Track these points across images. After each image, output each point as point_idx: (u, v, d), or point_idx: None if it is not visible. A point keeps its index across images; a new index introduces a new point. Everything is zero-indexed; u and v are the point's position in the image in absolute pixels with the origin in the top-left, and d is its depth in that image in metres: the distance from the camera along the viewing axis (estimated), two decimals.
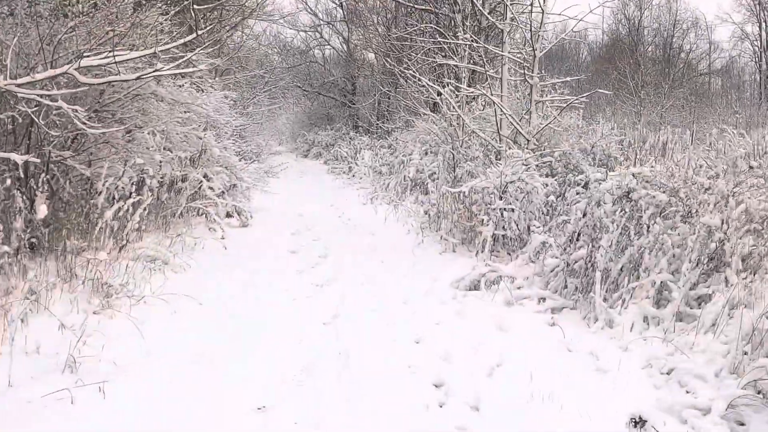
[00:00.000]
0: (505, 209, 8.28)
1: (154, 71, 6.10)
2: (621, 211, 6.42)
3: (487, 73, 10.32)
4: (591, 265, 6.42)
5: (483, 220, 8.73)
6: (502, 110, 9.97)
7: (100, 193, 7.55)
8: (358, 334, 5.82)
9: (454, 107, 11.31)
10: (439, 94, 12.64)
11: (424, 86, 17.68)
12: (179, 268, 7.63)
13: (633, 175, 6.60)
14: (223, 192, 11.26)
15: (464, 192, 8.96)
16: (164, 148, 10.67)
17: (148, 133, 9.52)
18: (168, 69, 6.13)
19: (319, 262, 8.75)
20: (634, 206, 6.36)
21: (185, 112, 10.47)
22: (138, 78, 6.25)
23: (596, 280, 5.99)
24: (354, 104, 30.78)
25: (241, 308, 6.48)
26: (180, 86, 10.41)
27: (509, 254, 8.65)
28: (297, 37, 35.62)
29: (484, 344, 5.57)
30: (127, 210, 7.72)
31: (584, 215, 6.79)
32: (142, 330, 5.41)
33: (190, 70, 6.86)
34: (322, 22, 34.62)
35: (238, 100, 20.15)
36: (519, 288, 6.84)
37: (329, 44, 35.16)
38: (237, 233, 10.48)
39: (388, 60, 20.11)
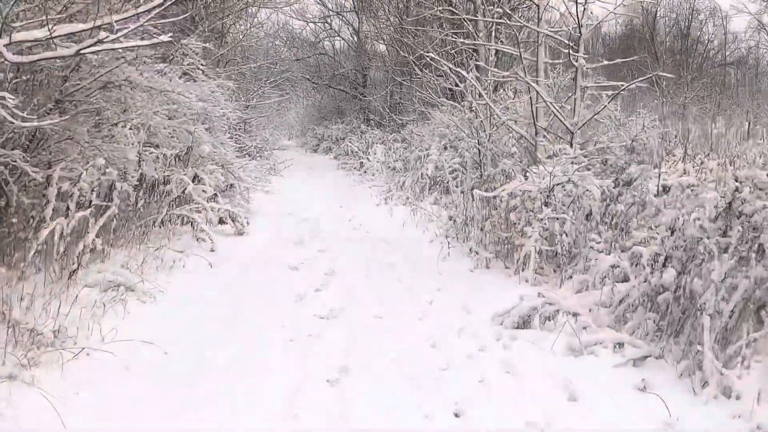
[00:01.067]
0: (556, 218, 6.52)
1: (96, 42, 4.38)
2: (726, 228, 4.68)
3: (522, 55, 8.58)
4: (686, 299, 4.68)
5: (524, 230, 7.00)
6: (541, 98, 8.19)
7: (48, 202, 5.88)
8: (375, 403, 4.11)
9: (482, 95, 9.56)
10: (461, 81, 10.87)
11: (441, 74, 15.96)
12: (148, 296, 5.93)
13: (737, 179, 4.84)
14: (215, 195, 9.56)
15: (501, 196, 7.22)
16: (149, 144, 9.08)
17: (130, 129, 7.88)
18: (111, 41, 4.40)
19: (325, 283, 7.02)
20: (744, 222, 4.60)
21: (171, 103, 8.81)
22: (77, 54, 4.53)
23: (704, 326, 4.23)
24: (365, 97, 29.01)
25: (221, 357, 4.78)
26: (162, 73, 8.72)
27: (555, 271, 6.93)
28: (306, 29, 33.84)
29: (552, 425, 3.85)
30: (89, 222, 6.12)
31: (672, 231, 5.05)
32: (68, 407, 3.73)
33: (145, 43, 5.11)
34: (331, 13, 32.85)
35: (241, 92, 18.50)
36: (585, 327, 5.09)
37: (339, 35, 33.39)
38: (230, 243, 8.78)
39: (401, 50, 18.35)
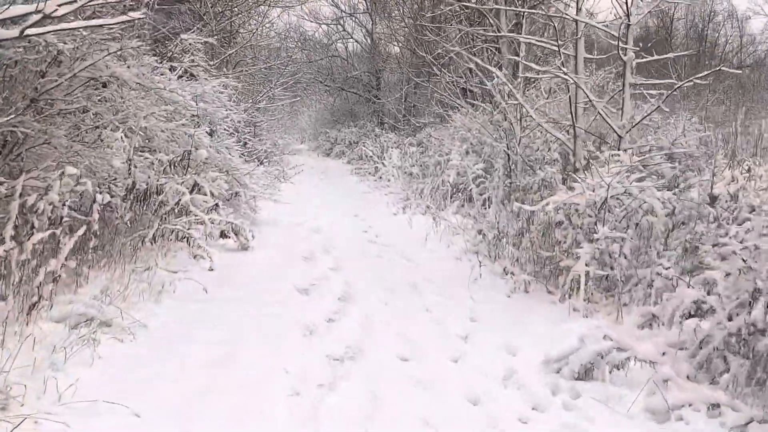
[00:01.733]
0: (613, 239, 5.43)
1: (42, 18, 3.33)
2: None
3: (560, 48, 7.51)
4: None
5: (571, 250, 5.92)
6: (583, 97, 7.08)
7: (9, 219, 4.85)
8: None
9: (513, 94, 8.44)
10: (489, 79, 9.80)
11: (461, 74, 14.90)
12: (126, 333, 4.87)
13: None
14: (216, 205, 8.53)
15: (543, 210, 6.13)
16: (145, 149, 8.09)
17: (123, 132, 6.88)
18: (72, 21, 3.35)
19: (338, 311, 5.95)
20: None
21: (167, 103, 7.82)
22: (23, 36, 3.50)
23: None
24: (379, 99, 27.96)
25: (207, 422, 3.72)
26: (157, 71, 7.70)
27: (607, 297, 5.84)
28: (318, 31, 32.83)
29: None
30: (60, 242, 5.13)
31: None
32: None
33: (109, 21, 4.07)
34: (344, 14, 31.81)
35: (250, 94, 17.52)
36: (666, 380, 3.98)
37: (352, 37, 32.32)
38: (232, 260, 7.73)
39: (419, 49, 17.30)
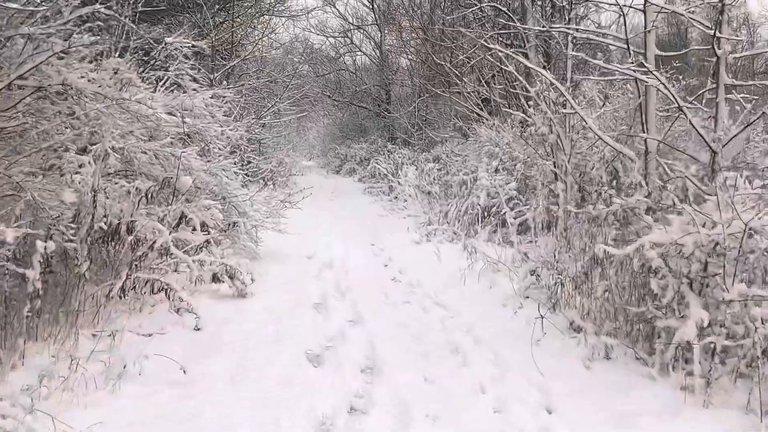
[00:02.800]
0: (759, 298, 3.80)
1: None
2: None
3: (629, 44, 5.94)
4: None
5: (673, 306, 4.31)
6: (674, 101, 5.46)
7: None
8: None
9: (569, 101, 6.82)
10: (531, 85, 8.22)
11: (483, 83, 13.33)
12: None
13: None
14: (208, 242, 6.95)
15: (637, 254, 4.50)
16: (122, 174, 6.59)
17: (93, 156, 5.39)
18: None
19: (363, 394, 4.35)
20: None
21: (152, 119, 6.31)
22: None
23: None
24: (390, 114, 26.43)
25: None
26: (130, 81, 6.14)
27: (735, 381, 4.20)
28: (326, 44, 31.36)
29: None
30: None
31: None
32: None
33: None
34: (352, 27, 30.34)
35: (252, 108, 16.00)
36: None
37: (360, 50, 30.84)
38: (226, 313, 6.12)
39: (436, 57, 15.74)
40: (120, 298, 5.52)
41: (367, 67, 31.52)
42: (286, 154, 19.87)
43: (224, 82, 14.32)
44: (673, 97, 5.34)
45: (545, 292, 6.00)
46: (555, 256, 6.11)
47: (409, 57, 25.52)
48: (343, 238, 10.41)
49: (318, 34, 30.54)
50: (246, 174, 15.42)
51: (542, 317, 5.24)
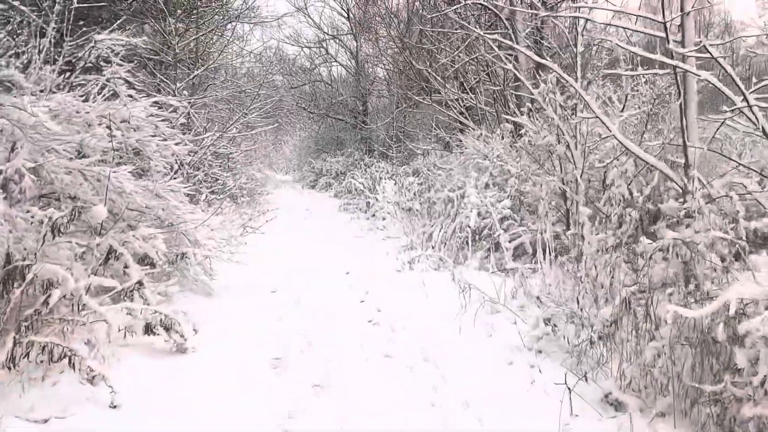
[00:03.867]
0: None
1: None
2: None
3: (668, 31, 4.65)
4: None
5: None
6: (728, 98, 4.14)
7: None
8: None
9: (588, 104, 5.47)
10: (535, 86, 6.88)
11: (467, 90, 12.03)
12: None
13: None
14: (140, 283, 5.52)
15: (721, 317, 3.15)
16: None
17: None
18: None
19: None
20: None
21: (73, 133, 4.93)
22: None
23: None
24: (366, 126, 25.06)
25: None
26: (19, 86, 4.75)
27: None
28: (300, 54, 29.94)
29: None
30: None
31: None
32: None
33: None
34: (327, 37, 28.94)
35: (220, 120, 14.60)
36: None
37: (336, 60, 29.42)
38: (157, 378, 4.70)
39: (417, 63, 14.40)
40: (9, 369, 4.08)
41: (344, 79, 30.16)
42: (258, 169, 18.43)
43: (185, 93, 12.90)
44: (726, 93, 4.00)
45: (564, 346, 4.64)
46: (578, 302, 4.74)
47: (387, 67, 24.25)
48: (314, 267, 9.00)
49: (292, 45, 29.14)
50: (211, 192, 14.02)
51: (570, 389, 3.87)
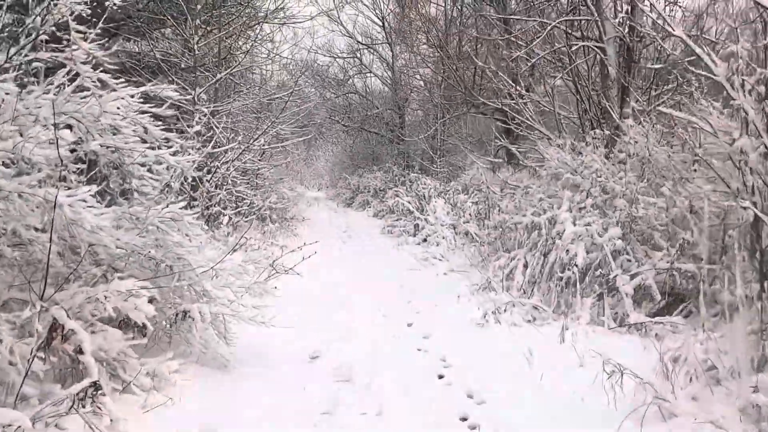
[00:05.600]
0: None
1: None
2: None
3: None
4: None
5: None
6: None
7: None
8: None
9: None
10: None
11: (549, 91, 9.79)
12: None
13: None
14: (95, 386, 3.30)
15: None
16: None
17: None
18: None
19: None
20: None
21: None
22: None
23: None
24: (404, 139, 22.83)
25: None
26: None
27: None
28: (333, 65, 27.85)
29: None
30: None
31: None
32: None
33: None
34: (361, 47, 26.83)
35: (246, 132, 12.50)
36: None
37: (371, 71, 27.26)
38: None
39: (474, 59, 12.15)
40: None
41: (379, 90, 28.05)
42: (290, 186, 16.25)
43: (203, 98, 10.79)
44: None
45: None
46: None
47: (424, 77, 22.07)
48: (363, 314, 6.75)
49: (325, 55, 27.05)
50: (237, 213, 11.85)
51: None
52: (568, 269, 6.37)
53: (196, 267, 4.92)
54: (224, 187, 11.07)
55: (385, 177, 21.06)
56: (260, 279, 5.54)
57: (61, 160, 3.41)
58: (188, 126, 10.07)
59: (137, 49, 12.60)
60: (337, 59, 27.38)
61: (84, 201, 3.63)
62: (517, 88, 9.55)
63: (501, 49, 10.79)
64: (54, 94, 4.07)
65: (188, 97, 11.22)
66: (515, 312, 6.29)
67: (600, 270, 6.30)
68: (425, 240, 11.61)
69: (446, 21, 20.54)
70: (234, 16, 13.30)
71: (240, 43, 13.81)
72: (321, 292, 7.62)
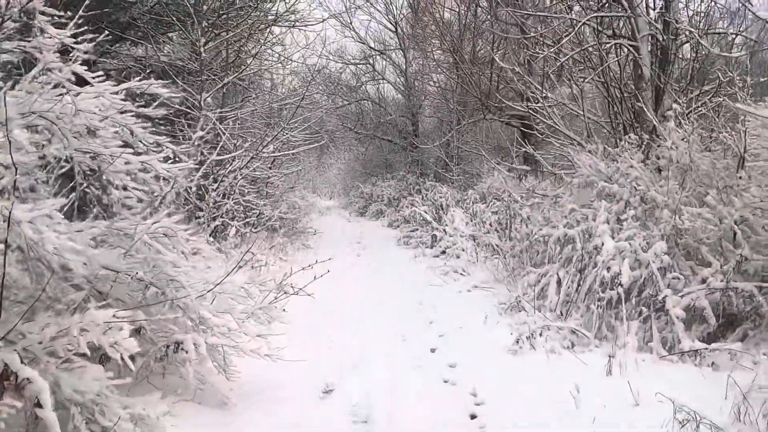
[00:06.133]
0: None
1: None
2: None
3: None
4: None
5: None
6: None
7: None
8: None
9: None
10: None
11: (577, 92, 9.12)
12: None
13: None
14: None
15: None
16: None
17: None
18: None
19: None
20: None
21: None
22: None
23: None
24: (420, 146, 22.13)
25: None
26: None
27: None
28: (346, 71, 27.20)
29: None
30: None
31: None
32: None
33: None
34: (374, 52, 26.16)
35: (255, 138, 11.91)
36: None
37: (383, 78, 26.56)
38: None
39: (498, 60, 11.50)
40: None
41: (392, 97, 27.38)
42: (301, 195, 15.61)
43: (209, 102, 10.17)
44: None
45: None
46: None
47: (438, 84, 21.40)
48: (381, 338, 6.06)
49: (337, 61, 26.40)
50: (246, 223, 11.21)
51: None
52: (611, 288, 5.66)
53: (192, 289, 4.27)
54: (232, 196, 10.43)
55: (399, 185, 20.39)
56: (267, 302, 4.88)
57: (15, 167, 2.76)
58: (193, 132, 9.47)
59: (142, 53, 12.04)
60: (349, 65, 26.78)
61: (49, 217, 2.97)
62: (543, 89, 8.84)
63: (524, 48, 10.09)
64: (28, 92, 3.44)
65: (193, 101, 10.63)
66: (551, 336, 5.59)
67: (647, 290, 5.59)
68: (444, 252, 10.91)
69: (460, 26, 19.90)
70: (242, 19, 12.68)
71: (249, 46, 13.20)
72: (333, 312, 6.94)
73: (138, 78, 3.89)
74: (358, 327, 6.43)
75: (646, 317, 5.47)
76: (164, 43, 12.64)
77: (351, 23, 25.45)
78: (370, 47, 26.04)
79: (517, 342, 5.52)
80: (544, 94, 8.73)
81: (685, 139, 6.77)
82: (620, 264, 5.64)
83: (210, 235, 10.31)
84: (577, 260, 6.39)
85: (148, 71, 11.30)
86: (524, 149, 10.12)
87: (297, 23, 14.12)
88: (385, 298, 7.79)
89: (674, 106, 6.98)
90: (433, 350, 5.72)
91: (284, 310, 5.37)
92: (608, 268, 5.73)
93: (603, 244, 6.07)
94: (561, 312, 6.13)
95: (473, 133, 21.01)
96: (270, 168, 13.57)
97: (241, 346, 4.33)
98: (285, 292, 5.47)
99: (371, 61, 26.54)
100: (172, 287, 4.25)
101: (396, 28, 24.91)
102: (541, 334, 5.59)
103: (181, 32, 11.70)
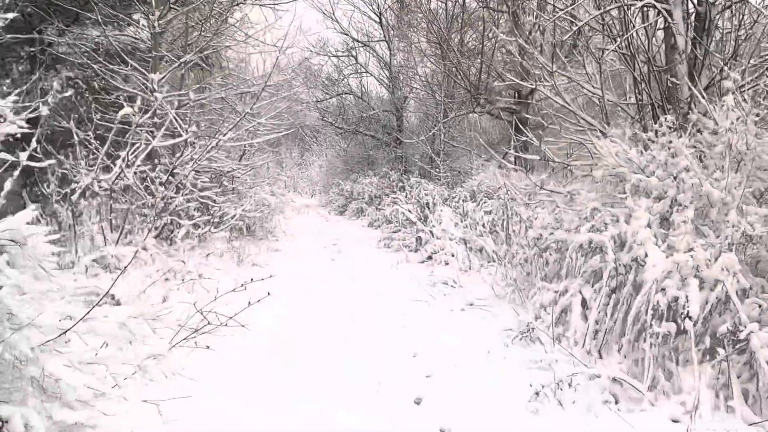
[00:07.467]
0: None
1: None
2: None
3: None
4: None
5: None
6: None
7: None
8: None
9: None
10: None
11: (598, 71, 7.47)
12: None
13: None
14: None
15: None
16: None
17: None
18: None
19: None
20: None
21: None
22: None
23: None
24: (401, 142, 20.47)
25: None
26: None
27: None
28: (328, 63, 25.52)
29: None
30: None
31: None
32: None
33: None
34: (357, 44, 24.45)
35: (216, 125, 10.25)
36: None
37: (366, 70, 24.87)
38: None
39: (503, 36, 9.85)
40: None
41: (375, 92, 25.73)
42: (271, 191, 13.84)
43: (163, 89, 8.42)
44: None
45: None
46: None
47: (423, 77, 19.73)
48: (349, 385, 4.34)
49: (318, 53, 24.68)
50: (197, 223, 9.46)
51: None
52: (669, 319, 3.99)
53: (39, 329, 2.58)
54: (182, 191, 8.68)
55: (382, 183, 18.73)
56: (172, 344, 3.16)
57: None
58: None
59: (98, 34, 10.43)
60: (332, 58, 25.07)
61: None
62: (551, 66, 7.16)
63: (527, 15, 8.44)
64: None
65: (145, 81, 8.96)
66: (583, 385, 3.91)
67: (717, 321, 3.93)
68: (430, 258, 9.22)
69: (447, 16, 18.26)
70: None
71: (211, 23, 11.42)
72: (285, 346, 5.15)
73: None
74: (318, 368, 4.67)
75: (719, 361, 3.81)
76: (129, 25, 10.96)
77: (333, 14, 23.78)
78: (354, 38, 24.35)
79: (537, 395, 3.84)
80: (554, 70, 7.06)
81: (740, 120, 5.16)
82: (679, 284, 3.97)
83: (156, 237, 8.60)
84: (609, 276, 4.72)
85: (105, 54, 9.68)
86: (524, 138, 8.42)
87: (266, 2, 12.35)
88: (357, 320, 6.04)
89: (731, 77, 5.34)
90: (418, 402, 4.03)
91: (208, 347, 3.65)
92: (663, 290, 4.07)
93: (647, 256, 4.42)
94: (590, 348, 4.46)
95: (461, 129, 19.49)
96: (240, 160, 11.85)
97: (111, 427, 2.62)
98: (209, 322, 3.76)
99: (354, 53, 24.85)
100: (8, 325, 2.56)
101: (380, 19, 23.27)
102: (570, 384, 3.91)
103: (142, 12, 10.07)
